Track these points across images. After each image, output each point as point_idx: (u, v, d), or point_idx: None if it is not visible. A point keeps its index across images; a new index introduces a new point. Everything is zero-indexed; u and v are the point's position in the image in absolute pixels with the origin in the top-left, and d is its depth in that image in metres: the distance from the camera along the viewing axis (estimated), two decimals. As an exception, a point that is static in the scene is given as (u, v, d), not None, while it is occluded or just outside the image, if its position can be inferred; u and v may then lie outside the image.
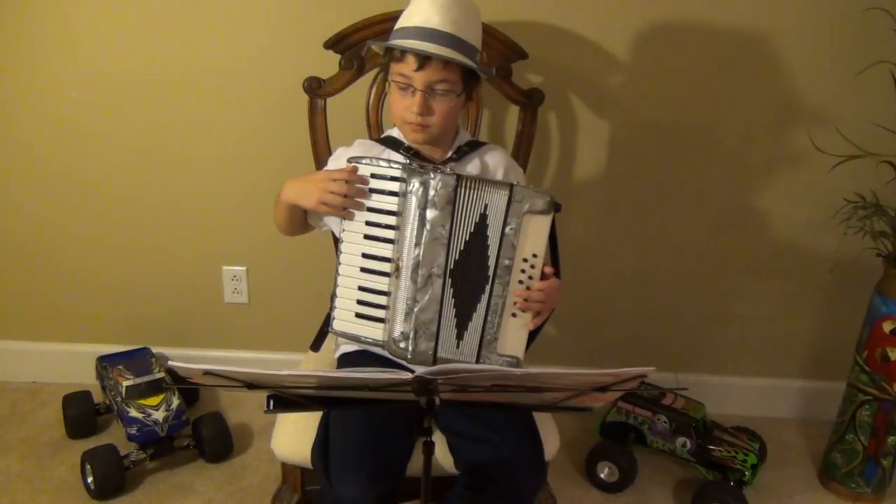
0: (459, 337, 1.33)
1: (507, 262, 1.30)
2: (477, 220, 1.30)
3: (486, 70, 1.40)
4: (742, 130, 2.00)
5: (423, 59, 1.30)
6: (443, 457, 1.39)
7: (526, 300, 1.31)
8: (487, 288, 1.31)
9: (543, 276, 1.32)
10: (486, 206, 1.30)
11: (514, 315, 1.32)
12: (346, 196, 1.30)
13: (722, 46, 1.91)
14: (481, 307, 1.32)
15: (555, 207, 1.30)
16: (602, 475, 1.96)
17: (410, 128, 1.38)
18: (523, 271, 1.31)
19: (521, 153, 1.75)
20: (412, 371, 0.96)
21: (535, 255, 1.31)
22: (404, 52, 1.32)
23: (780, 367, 2.26)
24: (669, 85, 1.95)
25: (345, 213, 1.32)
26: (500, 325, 1.32)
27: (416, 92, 1.33)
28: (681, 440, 1.91)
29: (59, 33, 1.94)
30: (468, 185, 1.29)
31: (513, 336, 1.33)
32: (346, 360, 1.50)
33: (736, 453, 1.86)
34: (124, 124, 2.03)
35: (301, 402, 1.10)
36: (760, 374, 2.27)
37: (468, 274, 1.31)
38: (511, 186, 1.29)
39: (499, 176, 1.48)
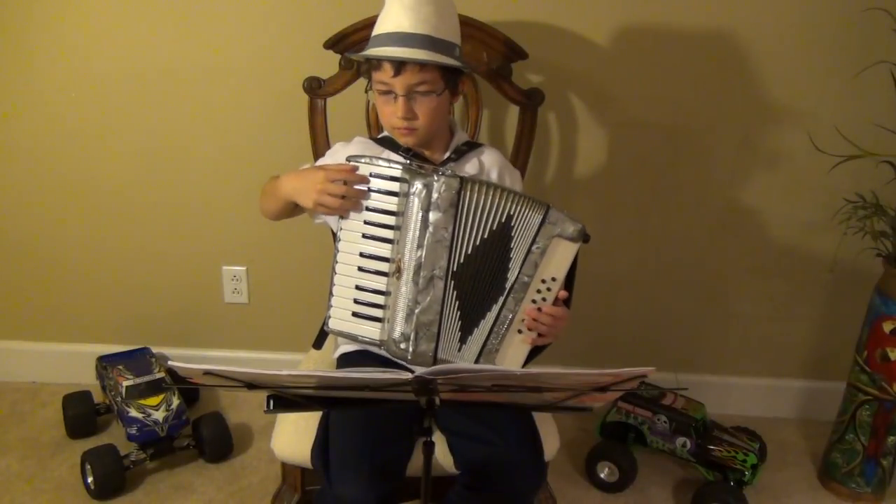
0: (463, 340, 1.32)
1: (525, 279, 1.29)
2: (494, 228, 1.28)
3: (467, 63, 1.39)
4: (742, 130, 2.00)
5: (399, 65, 1.31)
6: (443, 457, 1.39)
7: (535, 320, 1.30)
8: (501, 299, 1.30)
9: (555, 303, 1.32)
10: (509, 216, 1.28)
11: (519, 331, 1.32)
12: (344, 197, 1.30)
13: (722, 46, 1.91)
14: (490, 315, 1.31)
15: (584, 237, 1.29)
16: (602, 475, 1.96)
17: (399, 132, 1.39)
18: (539, 291, 1.30)
19: (521, 153, 1.75)
20: (412, 371, 0.96)
21: (553, 279, 1.30)
22: (380, 60, 1.32)
23: (780, 367, 2.26)
24: (669, 85, 1.95)
25: (342, 212, 1.32)
26: (504, 337, 1.31)
27: (398, 97, 1.34)
28: (681, 440, 1.91)
29: (58, 33, 1.94)
30: (473, 188, 1.28)
31: (513, 351, 1.33)
32: (345, 360, 1.50)
33: (736, 453, 1.86)
34: (124, 124, 2.03)
35: (301, 402, 1.10)
36: (760, 374, 2.27)
37: (478, 278, 1.30)
38: (548, 207, 1.28)
39: (493, 176, 1.47)
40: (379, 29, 1.35)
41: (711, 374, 2.26)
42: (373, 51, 1.33)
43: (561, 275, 1.30)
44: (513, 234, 1.29)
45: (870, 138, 1.81)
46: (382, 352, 1.37)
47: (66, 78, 1.98)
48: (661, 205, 2.09)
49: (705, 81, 1.95)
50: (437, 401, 1.04)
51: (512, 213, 1.29)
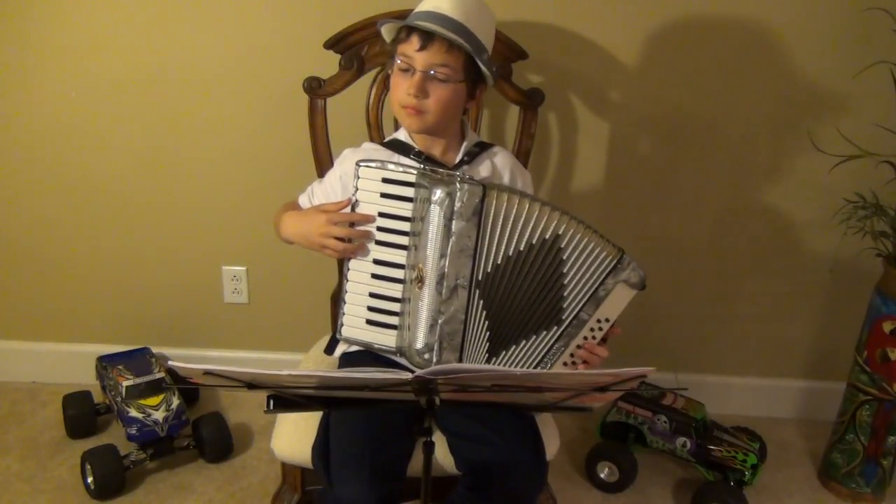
0: (493, 353, 1.30)
1: (585, 316, 1.29)
2: (533, 242, 1.26)
3: (491, 69, 1.38)
4: (742, 130, 2.00)
5: (427, 40, 1.29)
6: (443, 457, 1.39)
7: (584, 357, 1.31)
8: (556, 330, 1.29)
9: (601, 343, 1.32)
10: (556, 236, 1.26)
11: (565, 364, 1.31)
12: (350, 240, 1.31)
13: (722, 46, 1.91)
14: (540, 342, 1.30)
15: (643, 286, 1.30)
16: (602, 475, 1.96)
17: (406, 112, 1.36)
18: (592, 330, 1.30)
19: (521, 153, 1.75)
20: (413, 371, 0.96)
21: (607, 320, 1.30)
22: (411, 31, 1.31)
23: (780, 367, 2.26)
24: (669, 85, 1.95)
25: (348, 255, 1.32)
26: (550, 369, 1.31)
27: (416, 73, 1.32)
28: (681, 440, 1.91)
29: (59, 34, 1.94)
30: (501, 196, 1.25)
31: None
32: (346, 360, 1.50)
33: (736, 453, 1.86)
34: (124, 124, 2.03)
35: (301, 402, 1.10)
36: (760, 374, 2.27)
37: (512, 291, 1.28)
38: (622, 252, 1.28)
39: (504, 178, 1.47)
40: (419, 7, 1.35)
41: (711, 374, 2.26)
42: (407, 21, 1.33)
43: (614, 317, 1.30)
44: (566, 257, 1.27)
45: (870, 138, 1.81)
46: (397, 358, 1.37)
47: (65, 78, 1.98)
48: (661, 205, 2.09)
49: (705, 81, 1.95)
50: (437, 401, 1.04)
51: (561, 233, 1.26)
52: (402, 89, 1.34)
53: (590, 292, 1.28)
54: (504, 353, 1.31)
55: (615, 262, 1.27)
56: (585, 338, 1.30)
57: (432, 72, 1.31)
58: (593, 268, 1.28)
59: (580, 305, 1.29)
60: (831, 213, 1.87)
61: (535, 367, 1.30)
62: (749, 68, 1.93)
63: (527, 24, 1.88)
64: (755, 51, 1.91)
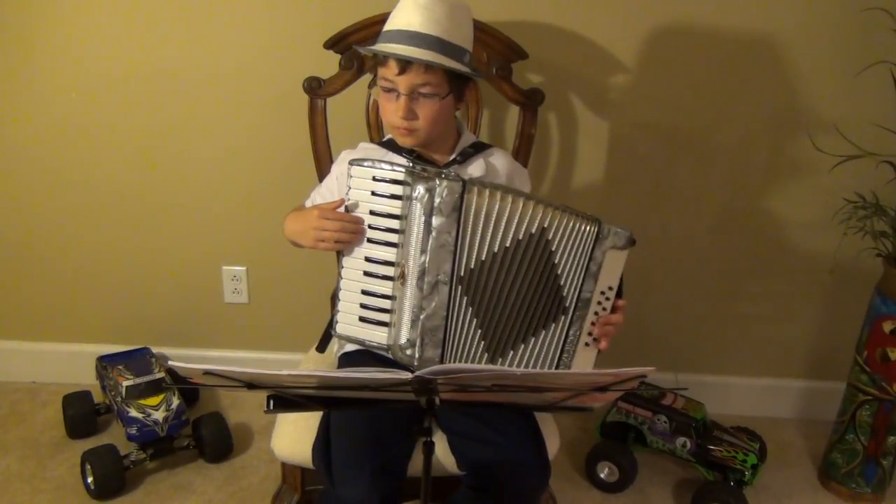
0: (499, 352, 1.30)
1: (587, 294, 1.30)
2: (520, 238, 1.26)
3: (475, 69, 1.38)
4: (742, 131, 2.00)
5: (405, 64, 1.30)
6: (444, 456, 1.39)
7: (602, 331, 1.32)
8: (564, 319, 1.30)
9: (613, 310, 1.33)
10: (542, 229, 1.26)
11: (586, 344, 1.32)
12: (343, 232, 1.30)
13: (722, 47, 1.91)
14: (554, 336, 1.31)
15: (632, 242, 1.30)
16: (602, 475, 1.96)
17: (398, 132, 1.38)
18: (599, 303, 1.31)
19: (521, 153, 1.75)
20: (412, 371, 0.96)
21: (610, 288, 1.31)
22: (386, 56, 1.31)
23: (780, 367, 2.26)
24: (669, 85, 1.95)
25: (343, 247, 1.32)
26: (574, 354, 1.32)
27: (400, 96, 1.33)
28: (681, 440, 1.91)
29: (59, 34, 1.94)
30: (482, 192, 1.25)
31: (583, 363, 1.34)
32: (346, 360, 1.50)
33: (736, 453, 1.86)
34: (124, 125, 2.03)
35: (301, 402, 1.10)
36: (760, 374, 2.27)
37: (504, 287, 1.28)
38: (599, 222, 1.28)
39: (501, 179, 1.47)
40: (390, 25, 1.34)
41: (711, 374, 2.26)
42: (380, 46, 1.32)
43: (616, 282, 1.31)
44: (554, 248, 1.27)
45: (870, 138, 1.81)
46: (387, 354, 1.37)
47: (66, 79, 1.98)
48: (661, 205, 2.09)
49: (705, 82, 1.95)
50: (437, 401, 1.04)
51: (546, 225, 1.26)
52: (390, 111, 1.36)
53: (583, 270, 1.29)
54: (512, 353, 1.31)
55: (596, 233, 1.28)
56: (596, 313, 1.31)
57: (417, 92, 1.32)
58: (578, 246, 1.28)
59: (579, 286, 1.29)
60: (831, 213, 1.87)
61: (557, 360, 1.32)
62: (749, 68, 1.93)
63: (527, 24, 1.88)
64: (755, 50, 1.91)
